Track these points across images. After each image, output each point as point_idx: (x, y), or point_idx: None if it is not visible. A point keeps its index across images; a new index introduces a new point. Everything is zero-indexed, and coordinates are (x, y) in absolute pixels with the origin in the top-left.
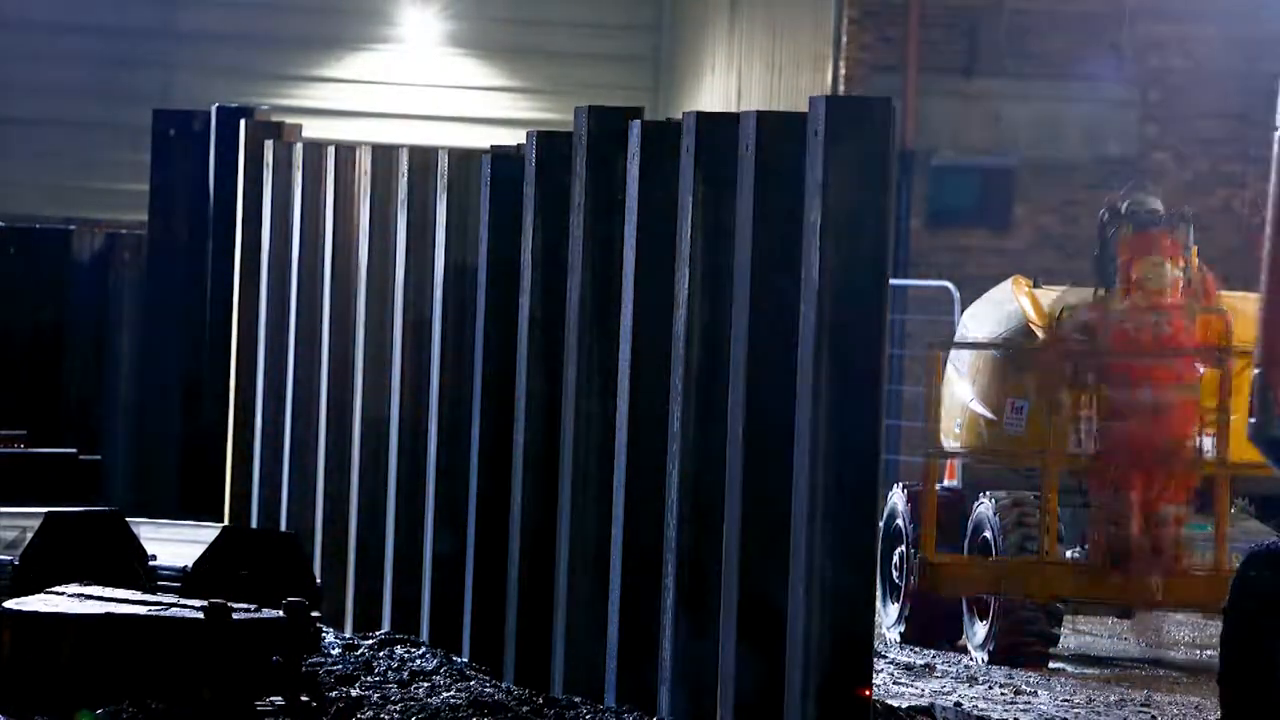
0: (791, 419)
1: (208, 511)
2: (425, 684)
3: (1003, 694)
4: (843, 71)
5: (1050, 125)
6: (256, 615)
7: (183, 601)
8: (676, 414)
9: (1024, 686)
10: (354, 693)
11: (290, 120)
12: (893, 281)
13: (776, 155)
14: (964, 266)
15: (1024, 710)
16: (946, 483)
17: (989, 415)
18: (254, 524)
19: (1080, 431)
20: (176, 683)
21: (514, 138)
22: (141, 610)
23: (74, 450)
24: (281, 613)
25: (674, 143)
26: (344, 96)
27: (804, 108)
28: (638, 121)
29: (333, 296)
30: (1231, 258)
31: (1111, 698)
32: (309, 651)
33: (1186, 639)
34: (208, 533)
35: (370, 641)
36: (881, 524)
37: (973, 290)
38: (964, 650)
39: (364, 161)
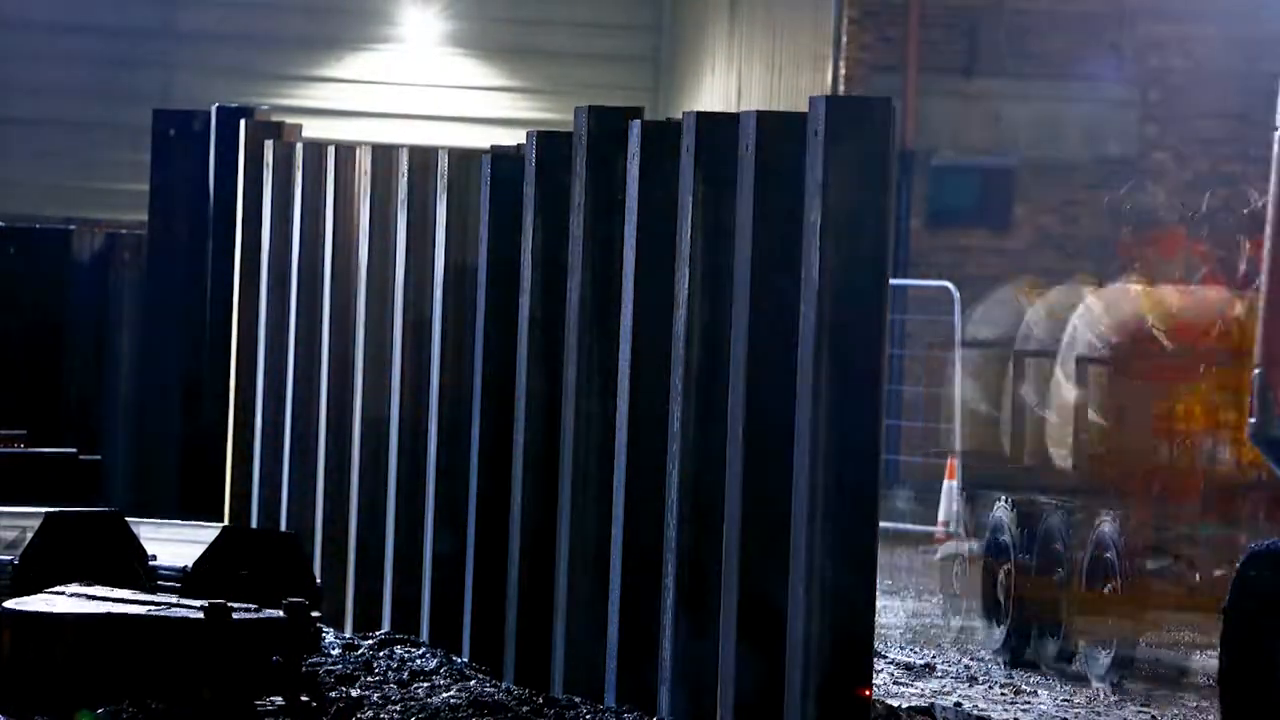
0: (791, 419)
1: (208, 511)
2: (425, 684)
3: (1003, 694)
4: (843, 71)
5: (1050, 125)
6: (256, 615)
7: (183, 601)
8: (676, 414)
9: (1024, 687)
10: (354, 693)
11: (290, 120)
12: (893, 281)
13: (776, 155)
14: (964, 266)
15: (1024, 710)
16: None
17: (1100, 422)
18: (254, 524)
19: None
20: (176, 683)
21: (514, 138)
22: (141, 610)
23: (74, 450)
24: (281, 613)
25: (674, 143)
26: (344, 96)
27: (804, 108)
28: (638, 121)
29: (333, 296)
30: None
31: (1112, 698)
32: (309, 651)
33: (1187, 639)
34: (208, 533)
35: (370, 641)
36: (985, 541)
37: (973, 290)
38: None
39: (364, 161)
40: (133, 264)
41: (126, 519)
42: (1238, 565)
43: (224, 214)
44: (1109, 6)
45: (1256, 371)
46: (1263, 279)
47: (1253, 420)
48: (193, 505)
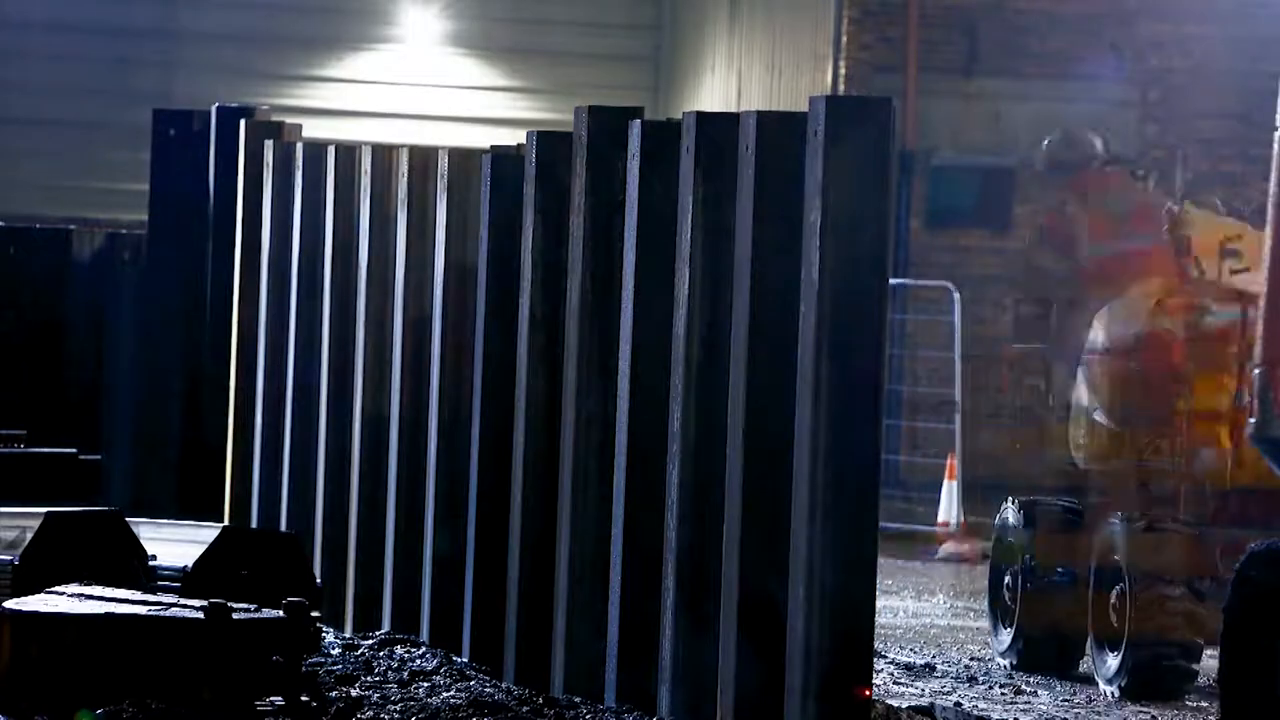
0: (791, 418)
1: (208, 511)
2: (425, 684)
3: (1003, 694)
4: (843, 71)
5: (1050, 125)
6: (256, 615)
7: (183, 601)
8: (676, 414)
9: (1024, 687)
10: (354, 693)
11: (290, 120)
12: (893, 281)
13: (776, 155)
14: (964, 266)
15: (1024, 710)
16: (1063, 498)
17: (1112, 426)
18: (254, 524)
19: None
20: (176, 683)
21: (514, 138)
22: (142, 610)
23: (74, 450)
24: (281, 613)
25: (674, 143)
26: (344, 96)
27: (804, 108)
28: (638, 121)
29: (333, 296)
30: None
31: (1112, 697)
32: (309, 651)
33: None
34: (208, 533)
35: (370, 641)
36: (991, 543)
37: (973, 290)
38: (1084, 680)
39: (364, 161)
40: (133, 264)
41: (126, 519)
42: (1237, 565)
43: (224, 214)
44: (1109, 6)
45: (1257, 371)
46: (1263, 279)
47: (1253, 420)
48: (193, 505)
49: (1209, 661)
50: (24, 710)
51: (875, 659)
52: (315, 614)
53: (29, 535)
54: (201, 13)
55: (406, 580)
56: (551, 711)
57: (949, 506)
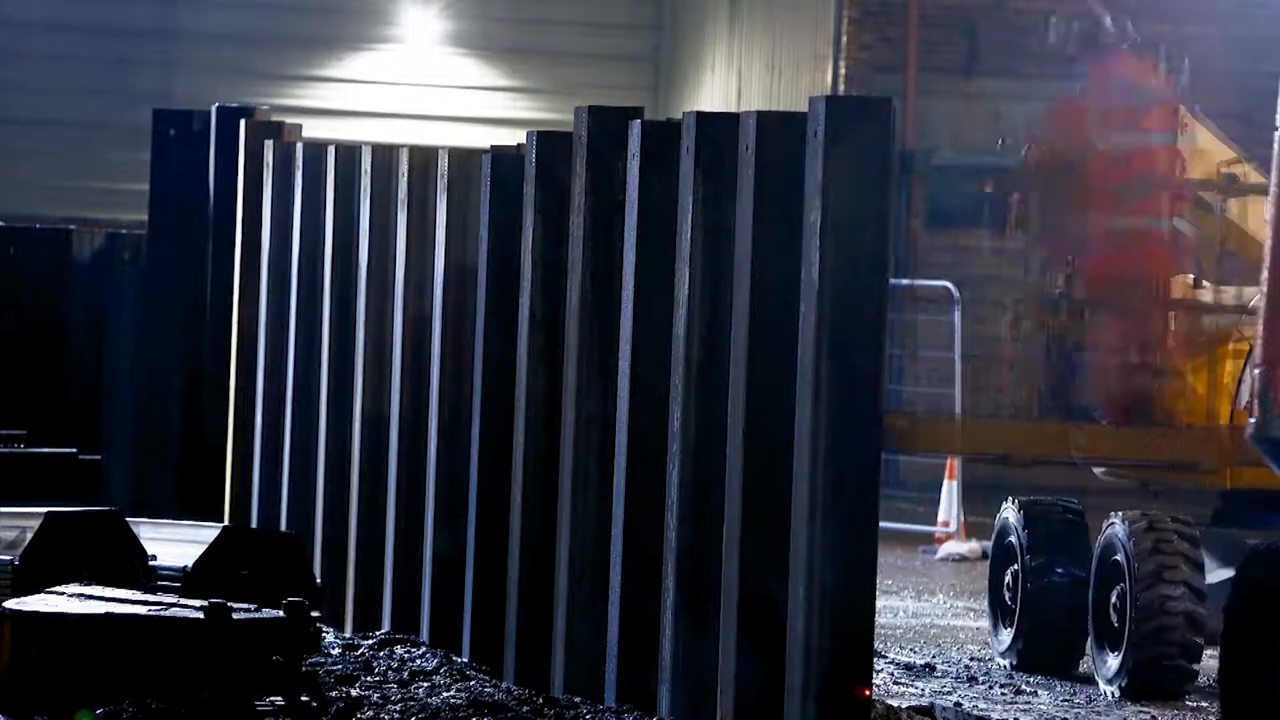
0: (791, 418)
1: (208, 511)
2: (425, 684)
3: (1003, 694)
4: (843, 71)
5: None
6: (256, 615)
7: (183, 601)
8: (676, 414)
9: (1024, 687)
10: (354, 693)
11: (290, 120)
12: (893, 281)
13: (776, 155)
14: (964, 266)
15: (1024, 710)
16: (1063, 498)
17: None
18: (254, 524)
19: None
20: (176, 683)
21: (514, 138)
22: (141, 610)
23: (74, 450)
24: (281, 613)
25: (674, 143)
26: (344, 96)
27: (804, 108)
28: (638, 121)
29: (333, 296)
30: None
31: (1112, 697)
32: (309, 651)
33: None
34: (208, 533)
35: (370, 641)
36: (990, 543)
37: (972, 290)
38: (1084, 680)
39: (364, 161)
40: (133, 264)
41: (126, 519)
42: (1238, 565)
43: (224, 214)
44: (1109, 6)
45: (1257, 371)
46: (1263, 279)
47: (1253, 420)
48: (193, 505)
49: (1209, 661)
50: (24, 710)
51: (875, 659)
52: (315, 614)
53: (29, 535)
54: (201, 13)
55: (406, 580)
56: (551, 711)
57: (949, 506)
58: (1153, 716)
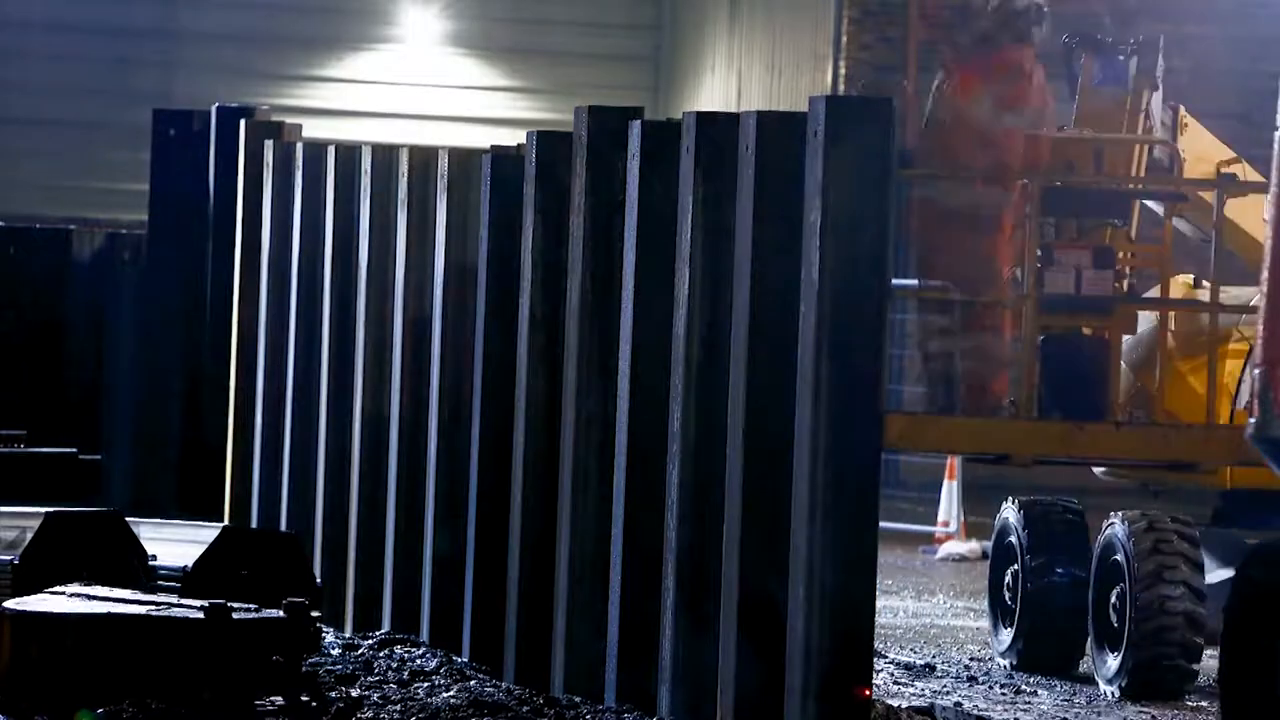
0: (791, 418)
1: (208, 511)
2: (425, 684)
3: (1003, 694)
4: (843, 71)
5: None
6: (256, 615)
7: (183, 601)
8: (676, 414)
9: (1024, 686)
10: (354, 693)
11: (290, 120)
12: (893, 281)
13: (776, 155)
14: None
15: (1024, 710)
16: (1063, 498)
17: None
18: (254, 524)
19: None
20: (176, 683)
21: (514, 138)
22: (141, 610)
23: (74, 450)
24: (281, 613)
25: (674, 143)
26: (344, 96)
27: (804, 108)
28: (638, 121)
29: (333, 296)
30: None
31: (1112, 697)
32: (309, 651)
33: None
34: (208, 533)
35: (370, 641)
36: (990, 543)
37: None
38: (1084, 680)
39: (364, 161)
40: (133, 264)
41: (126, 519)
42: (1238, 565)
43: (224, 214)
44: (1109, 6)
45: (1257, 371)
46: (1263, 279)
47: (1253, 420)
48: (193, 505)
49: (1209, 661)
50: (24, 710)
51: (875, 659)
52: (315, 614)
53: (29, 535)
54: (201, 13)
55: (406, 580)
56: (551, 711)
57: (949, 506)
58: (1153, 716)
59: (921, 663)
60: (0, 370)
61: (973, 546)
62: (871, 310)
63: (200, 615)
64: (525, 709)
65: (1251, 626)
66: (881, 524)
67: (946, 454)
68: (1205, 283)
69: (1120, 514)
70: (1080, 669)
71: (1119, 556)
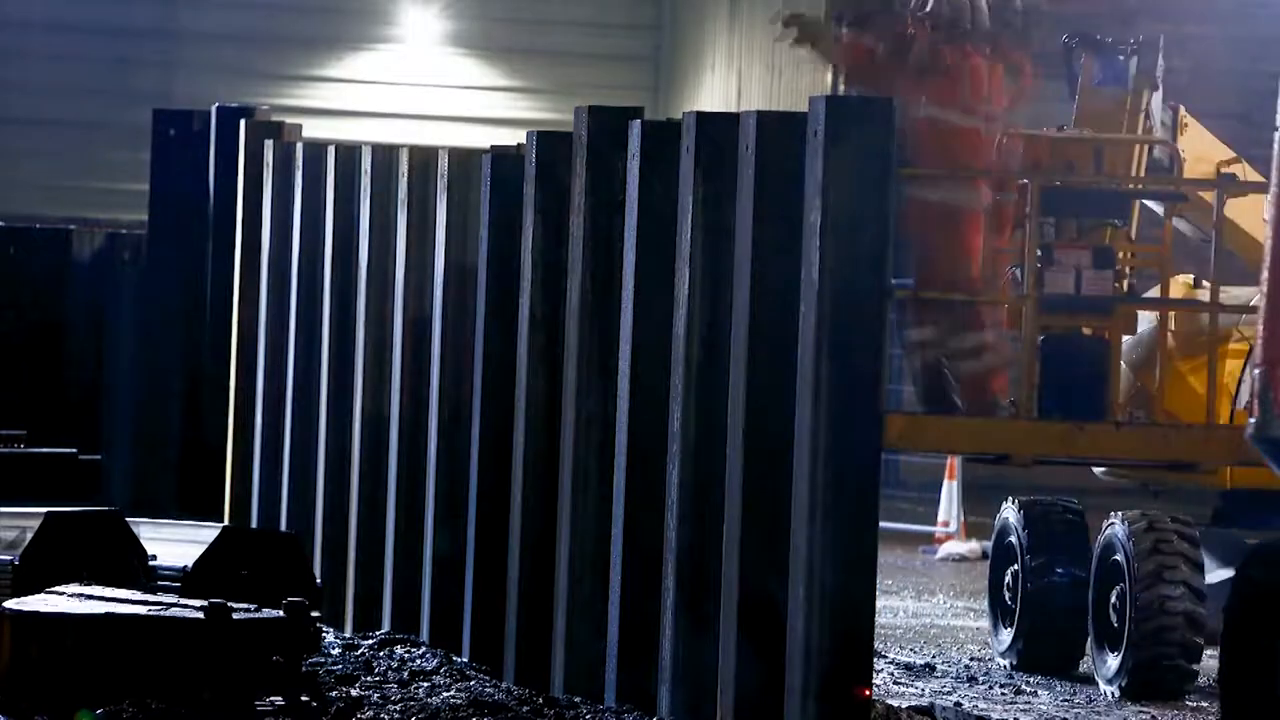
0: (791, 418)
1: (208, 511)
2: (425, 684)
3: (1003, 694)
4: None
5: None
6: (256, 615)
7: (183, 601)
8: (676, 414)
9: (1024, 686)
10: (354, 693)
11: (290, 120)
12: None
13: (776, 155)
14: None
15: (1024, 710)
16: (1063, 498)
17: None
18: (254, 524)
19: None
20: (176, 683)
21: (514, 138)
22: (141, 610)
23: (74, 450)
24: (281, 613)
25: (674, 143)
26: (344, 96)
27: (804, 108)
28: (638, 121)
29: (333, 296)
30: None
31: (1112, 697)
32: (309, 651)
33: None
34: (208, 533)
35: (370, 641)
36: (990, 543)
37: None
38: (1084, 680)
39: (364, 161)
40: (133, 264)
41: (126, 519)
42: (1238, 565)
43: (224, 214)
44: (1109, 6)
45: (1257, 371)
46: (1263, 279)
47: (1253, 420)
48: (193, 505)
49: (1209, 661)
50: (24, 710)
51: (875, 659)
52: (315, 614)
53: (29, 535)
54: (201, 13)
55: (406, 580)
56: (551, 711)
57: (949, 506)
58: (1153, 716)
59: (921, 663)
60: (0, 370)
61: (973, 546)
62: (871, 310)
63: (200, 615)
64: (525, 709)
65: (1251, 626)
66: (881, 524)
67: (946, 454)
68: (1205, 283)
69: (1120, 514)
70: (1080, 669)
71: (1119, 556)
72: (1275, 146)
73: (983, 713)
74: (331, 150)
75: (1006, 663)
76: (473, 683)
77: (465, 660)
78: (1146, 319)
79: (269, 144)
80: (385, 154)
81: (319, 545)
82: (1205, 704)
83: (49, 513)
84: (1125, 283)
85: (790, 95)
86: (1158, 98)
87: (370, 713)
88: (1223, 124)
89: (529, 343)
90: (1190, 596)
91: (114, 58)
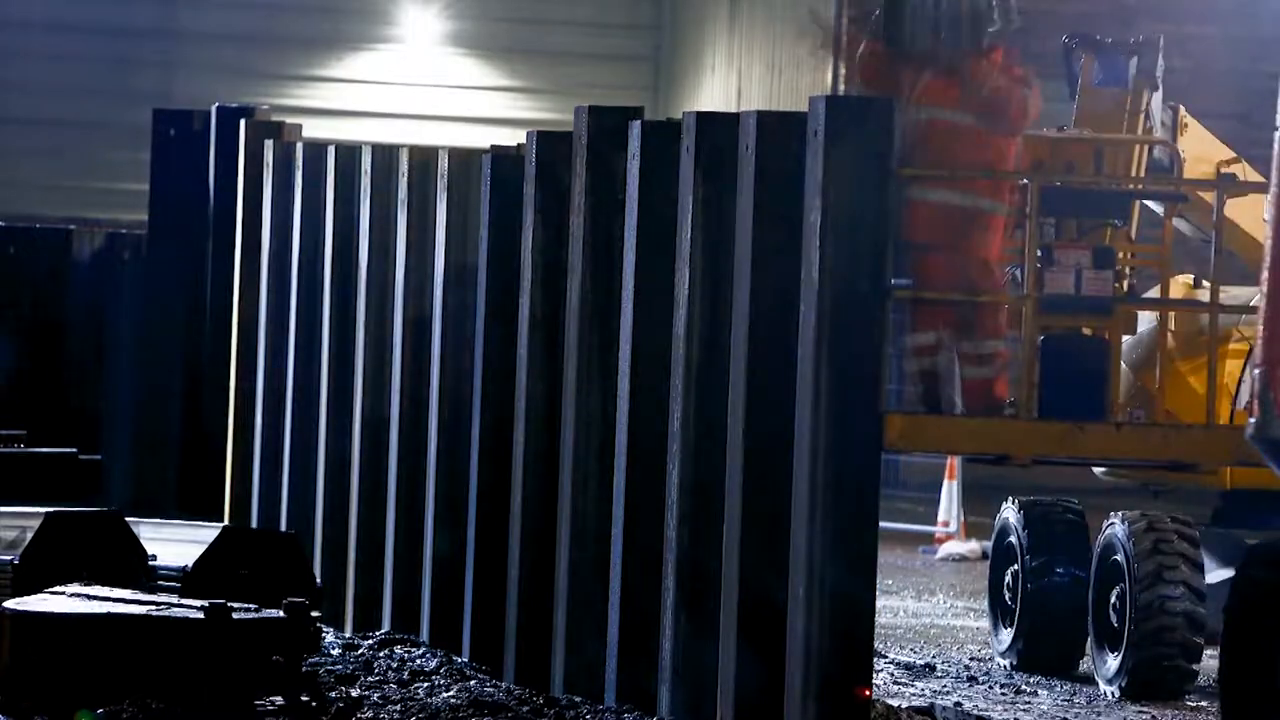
0: (791, 418)
1: (208, 511)
2: (425, 684)
3: (1003, 694)
4: (843, 71)
5: (1050, 125)
6: (256, 615)
7: (183, 601)
8: (676, 414)
9: (1024, 686)
10: (354, 693)
11: (290, 120)
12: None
13: (776, 155)
14: None
15: (1024, 710)
16: (1063, 498)
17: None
18: (254, 524)
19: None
20: (176, 683)
21: (514, 138)
22: (141, 610)
23: (74, 450)
24: (281, 613)
25: (674, 143)
26: (344, 96)
27: (804, 108)
28: (638, 121)
29: (333, 296)
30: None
31: (1112, 697)
32: (309, 651)
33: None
34: (208, 533)
35: (370, 641)
36: (990, 543)
37: None
38: (1084, 680)
39: (364, 161)
40: (133, 264)
41: (126, 519)
42: (1238, 565)
43: (224, 214)
44: (1109, 6)
45: (1257, 371)
46: (1263, 279)
47: (1253, 420)
48: (193, 505)
49: (1209, 661)
50: (24, 710)
51: (875, 659)
52: (315, 614)
53: (29, 535)
54: (201, 13)
55: (406, 580)
56: (551, 711)
57: (949, 506)
58: (1153, 716)
59: (921, 663)
60: (0, 370)
61: (973, 546)
62: (871, 310)
63: (200, 615)
64: (525, 709)
65: (1251, 626)
66: (881, 524)
67: (946, 454)
68: (1205, 283)
69: (1120, 514)
70: (1080, 669)
71: (1119, 556)
72: (1275, 146)
73: (983, 713)
74: (331, 150)
75: (1006, 663)
76: (473, 683)
77: (465, 660)
78: (1146, 319)
79: (269, 144)
80: (385, 154)
81: (319, 545)
82: (1205, 704)
83: (49, 513)
84: (1125, 283)
85: (790, 95)
86: (1158, 98)
87: (370, 713)
88: (1223, 124)
89: (529, 343)
90: (1190, 596)
91: (114, 58)
